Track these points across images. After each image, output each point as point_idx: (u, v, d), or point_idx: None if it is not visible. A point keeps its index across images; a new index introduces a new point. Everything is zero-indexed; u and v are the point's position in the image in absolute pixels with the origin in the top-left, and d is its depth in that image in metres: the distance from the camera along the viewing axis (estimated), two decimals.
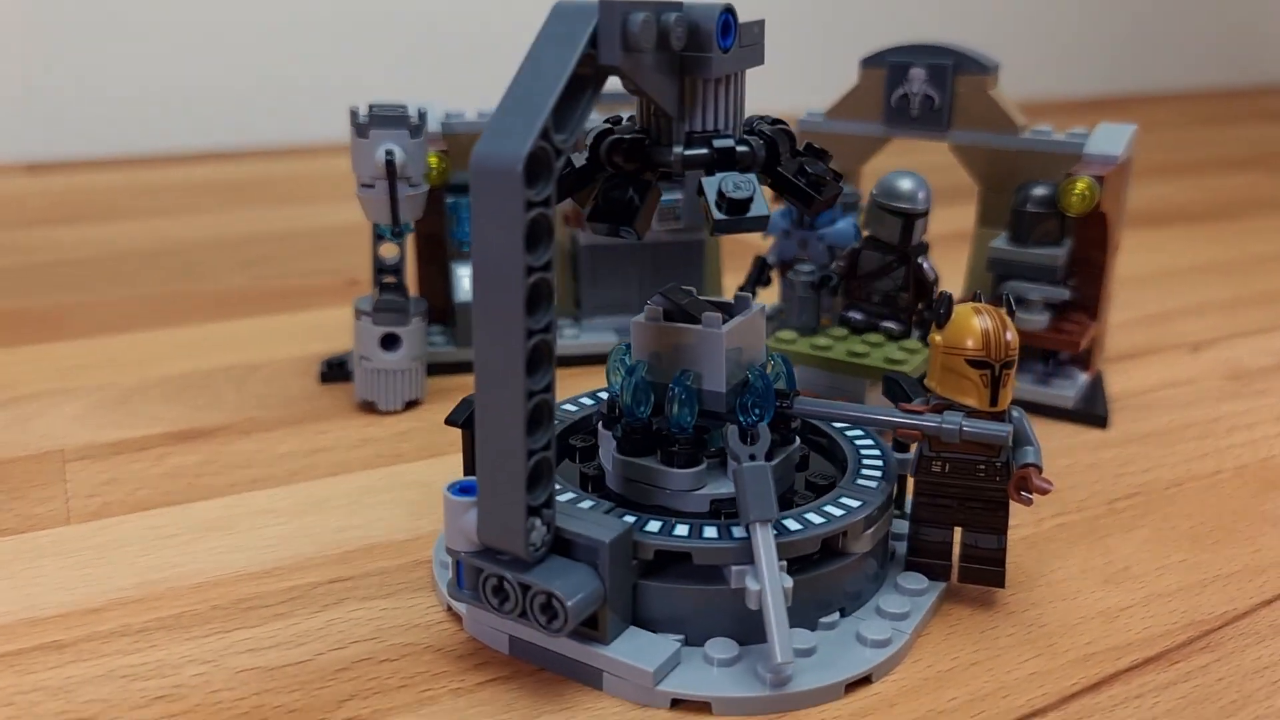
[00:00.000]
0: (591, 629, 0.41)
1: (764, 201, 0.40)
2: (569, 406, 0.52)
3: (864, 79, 0.72)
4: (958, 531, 0.46)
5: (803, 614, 0.43)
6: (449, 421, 0.46)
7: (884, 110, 0.71)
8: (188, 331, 0.78)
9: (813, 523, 0.42)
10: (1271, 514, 0.54)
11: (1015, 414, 0.45)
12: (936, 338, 0.44)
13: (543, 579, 0.39)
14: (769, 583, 0.39)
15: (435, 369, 0.70)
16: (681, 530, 0.42)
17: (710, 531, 0.42)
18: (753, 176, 0.40)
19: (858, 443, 0.49)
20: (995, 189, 0.69)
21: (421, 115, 0.61)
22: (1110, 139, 0.65)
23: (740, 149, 0.40)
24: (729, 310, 0.46)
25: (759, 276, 0.70)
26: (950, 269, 0.69)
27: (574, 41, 0.36)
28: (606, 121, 0.44)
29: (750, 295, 0.46)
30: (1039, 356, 0.67)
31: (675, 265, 0.75)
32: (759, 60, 0.42)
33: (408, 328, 0.64)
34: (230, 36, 1.40)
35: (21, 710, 0.39)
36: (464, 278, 0.70)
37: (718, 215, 0.39)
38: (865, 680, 0.41)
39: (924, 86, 0.69)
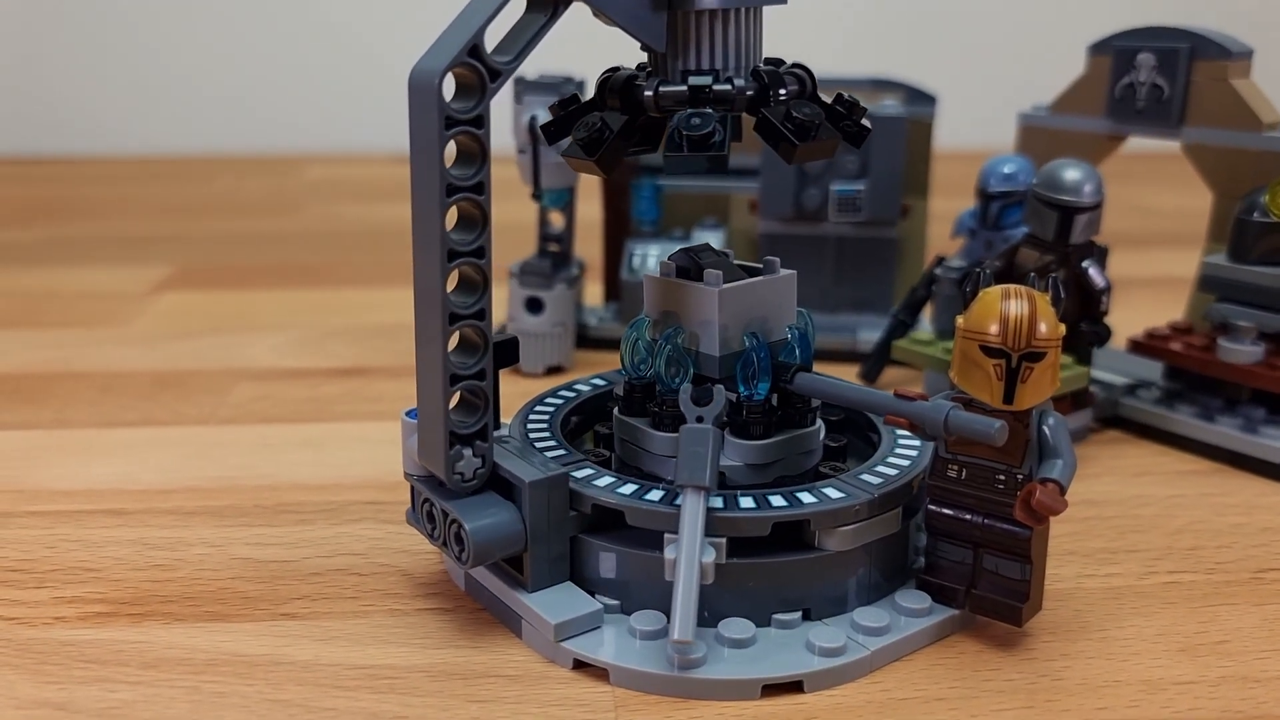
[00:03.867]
0: (520, 573, 0.39)
1: (725, 142, 0.37)
2: None
3: (1091, 68, 0.63)
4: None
5: (756, 604, 0.38)
6: None
7: (1107, 102, 0.62)
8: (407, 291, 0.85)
9: (770, 504, 0.38)
10: None
11: (1050, 421, 0.38)
12: (960, 320, 0.38)
13: (460, 509, 0.38)
14: (685, 552, 0.36)
15: (597, 343, 0.71)
16: (627, 489, 0.39)
17: (654, 494, 0.39)
18: (722, 115, 0.37)
19: (899, 438, 0.43)
20: (1231, 197, 0.58)
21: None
22: None
23: (719, 87, 0.38)
24: (752, 274, 0.43)
25: (933, 277, 0.63)
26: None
27: None
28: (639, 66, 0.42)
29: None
30: (1252, 398, 0.55)
31: (863, 262, 0.70)
32: None
33: (551, 292, 0.65)
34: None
35: (58, 553, 0.45)
36: (634, 255, 0.70)
37: (670, 150, 0.37)
38: (796, 687, 0.36)
39: (1152, 74, 0.60)
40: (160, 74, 1.50)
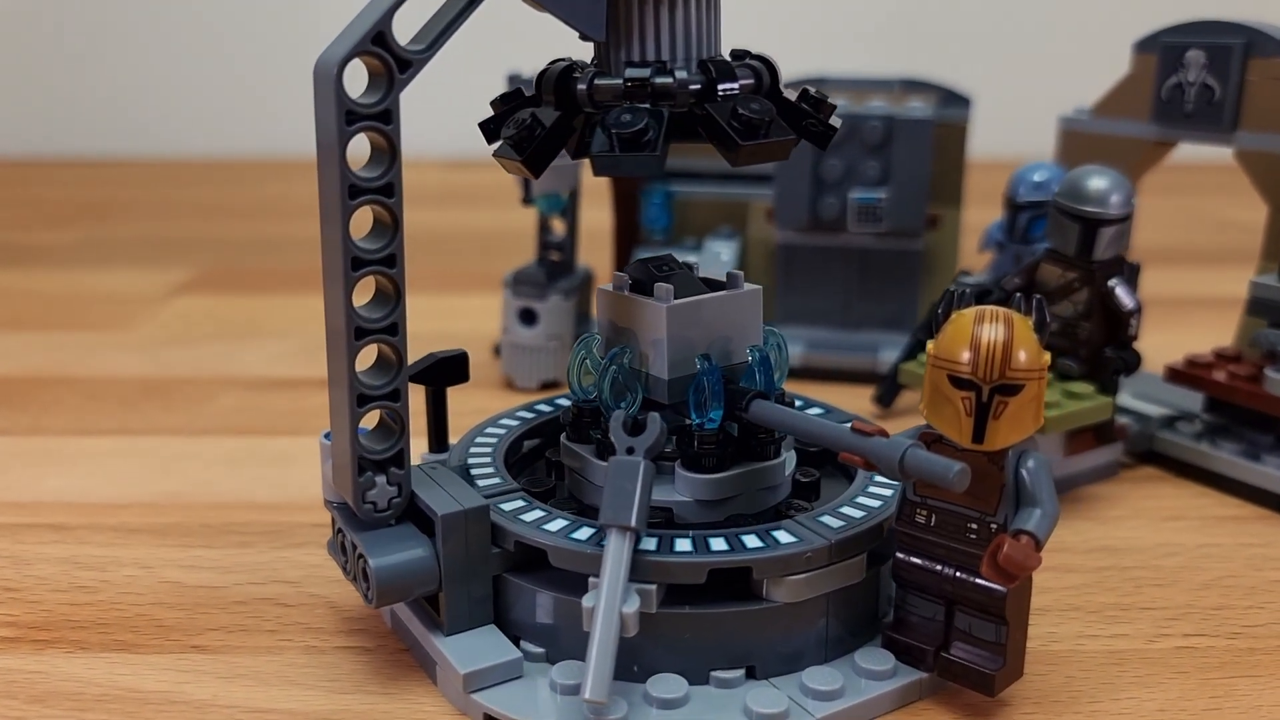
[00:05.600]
0: (438, 614, 0.36)
1: (659, 141, 0.33)
2: None
3: (1136, 66, 0.58)
4: None
5: (694, 659, 0.34)
6: None
7: (1154, 105, 0.56)
8: (427, 300, 0.82)
9: (709, 548, 0.34)
10: None
11: (1030, 464, 0.33)
12: (930, 346, 0.34)
13: (367, 542, 0.35)
14: (604, 600, 0.32)
15: None
16: (554, 525, 0.35)
17: (581, 533, 0.35)
18: (658, 111, 0.33)
19: (874, 476, 0.39)
20: None
21: None
22: None
23: (659, 80, 0.34)
24: (716, 288, 0.39)
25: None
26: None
27: None
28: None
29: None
30: None
31: (887, 275, 0.65)
32: None
33: (545, 303, 0.62)
34: None
35: None
36: None
37: (597, 150, 0.33)
38: None
39: (1202, 74, 0.54)
40: (214, 76, 1.51)
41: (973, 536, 0.33)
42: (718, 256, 0.66)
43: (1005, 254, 0.58)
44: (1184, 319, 0.73)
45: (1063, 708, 0.35)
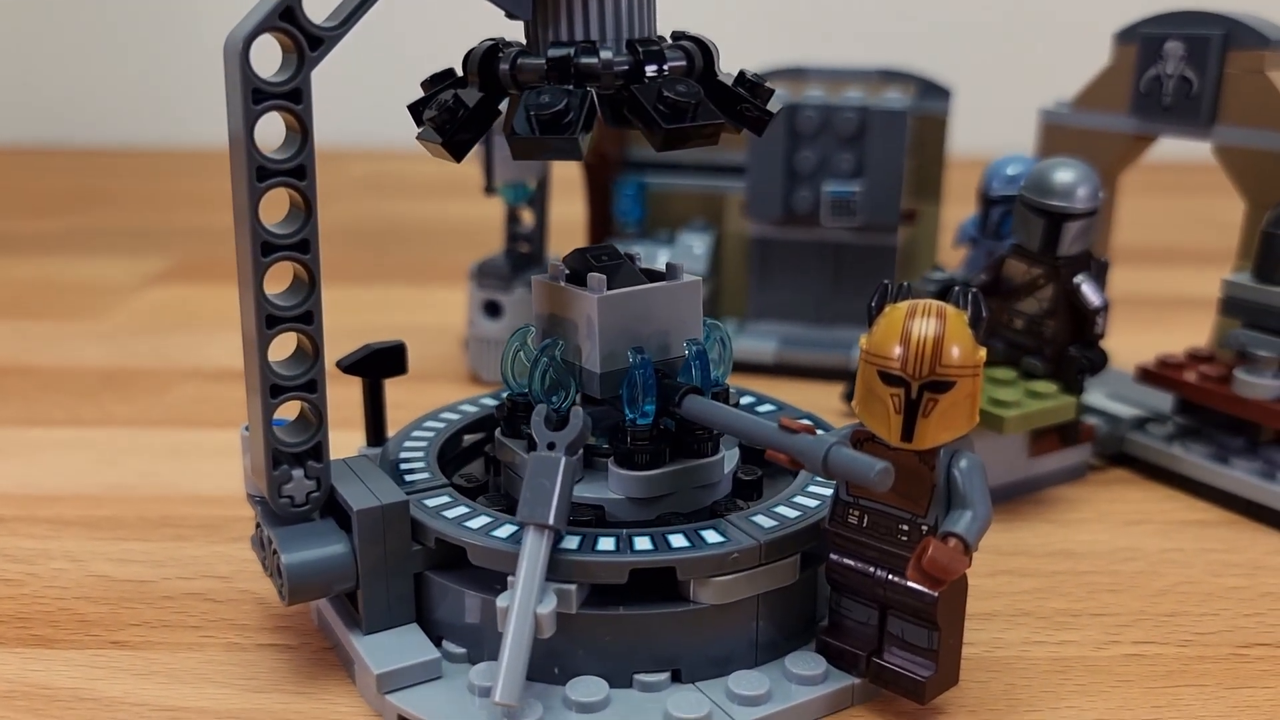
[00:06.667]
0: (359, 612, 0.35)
1: (578, 123, 0.31)
2: None
3: (1117, 58, 0.56)
4: None
5: (617, 662, 0.33)
6: (338, 364, 0.42)
7: (1132, 98, 0.55)
8: (405, 292, 0.81)
9: (633, 547, 0.33)
10: None
11: (963, 464, 0.31)
12: (863, 341, 0.32)
13: (281, 538, 0.34)
14: (518, 600, 0.31)
15: None
16: (476, 522, 0.34)
17: (503, 530, 0.34)
18: (580, 92, 0.32)
19: (816, 476, 0.37)
20: (1265, 207, 0.50)
21: None
22: None
23: (583, 60, 0.32)
24: (656, 279, 0.37)
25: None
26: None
27: None
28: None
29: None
30: (1275, 439, 0.47)
31: (863, 271, 0.64)
32: None
33: (510, 296, 0.60)
34: None
35: None
36: None
37: (516, 131, 0.32)
38: None
39: (1181, 66, 0.52)
40: (199, 67, 1.50)
41: (904, 538, 0.32)
42: (690, 249, 0.65)
43: (979, 249, 0.56)
44: (1168, 318, 0.71)
45: (998, 716, 0.33)
